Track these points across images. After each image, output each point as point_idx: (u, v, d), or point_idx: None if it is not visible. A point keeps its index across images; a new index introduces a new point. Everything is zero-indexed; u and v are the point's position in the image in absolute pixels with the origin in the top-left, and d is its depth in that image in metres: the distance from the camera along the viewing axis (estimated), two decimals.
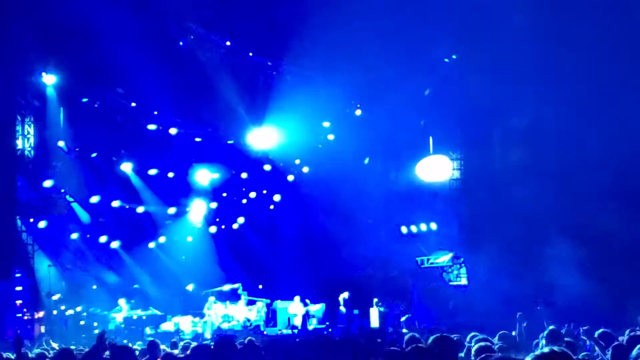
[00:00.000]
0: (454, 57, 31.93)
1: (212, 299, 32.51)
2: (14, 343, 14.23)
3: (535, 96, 29.71)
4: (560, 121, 29.16)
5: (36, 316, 29.81)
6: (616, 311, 23.86)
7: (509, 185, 30.01)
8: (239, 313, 32.28)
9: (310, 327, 31.80)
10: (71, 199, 32.84)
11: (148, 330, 31.00)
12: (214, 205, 37.13)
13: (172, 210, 36.56)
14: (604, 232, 27.71)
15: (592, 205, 27.98)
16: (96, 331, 28.39)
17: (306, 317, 32.50)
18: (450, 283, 32.84)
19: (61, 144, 31.74)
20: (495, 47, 29.99)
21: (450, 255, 32.91)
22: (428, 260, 33.53)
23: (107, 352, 11.80)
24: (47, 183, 30.84)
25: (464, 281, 32.43)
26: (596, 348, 13.06)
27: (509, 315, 23.43)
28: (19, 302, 29.03)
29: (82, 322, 31.48)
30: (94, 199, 33.63)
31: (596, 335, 13.22)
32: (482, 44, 30.52)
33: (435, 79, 31.88)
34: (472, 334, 14.02)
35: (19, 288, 29.17)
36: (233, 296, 33.34)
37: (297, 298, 32.86)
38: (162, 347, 15.45)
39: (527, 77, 29.53)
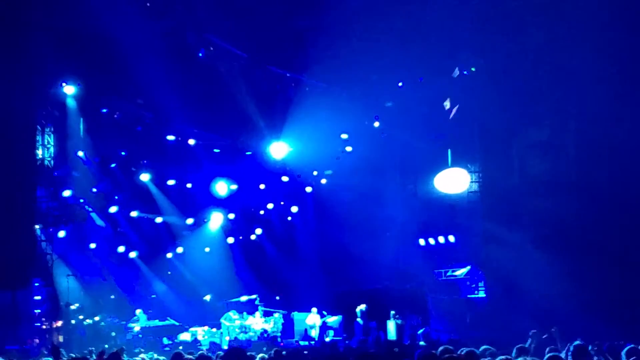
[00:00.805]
0: (472, 69, 31.89)
1: (231, 313, 32.53)
2: (52, 352, 14.37)
3: (554, 109, 29.64)
4: (579, 134, 29.07)
5: (54, 325, 29.91)
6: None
7: (528, 198, 29.92)
8: (256, 324, 32.30)
9: (327, 339, 31.78)
10: (90, 209, 32.99)
11: (165, 341, 31.08)
12: (231, 216, 37.22)
13: (190, 221, 36.66)
14: (624, 245, 27.56)
15: (611, 217, 27.84)
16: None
17: (323, 328, 32.49)
18: (468, 296, 32.75)
19: (81, 154, 31.89)
20: (514, 59, 29.96)
21: (468, 267, 32.83)
22: (446, 272, 33.47)
23: None
24: (67, 193, 30.98)
25: (482, 294, 32.34)
26: None
27: (527, 329, 23.40)
28: (37, 311, 29.14)
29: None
30: (113, 209, 33.79)
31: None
32: (501, 57, 30.48)
33: (454, 91, 31.83)
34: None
35: (37, 297, 29.30)
36: (250, 307, 33.36)
37: (314, 309, 32.87)
38: None
39: (546, 90, 29.48)
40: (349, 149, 35.21)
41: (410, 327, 31.64)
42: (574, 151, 29.11)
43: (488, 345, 14.33)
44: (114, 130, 32.42)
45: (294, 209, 38.06)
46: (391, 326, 31.02)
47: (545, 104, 29.69)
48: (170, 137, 34.07)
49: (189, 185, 35.94)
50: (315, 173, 36.93)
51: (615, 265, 27.61)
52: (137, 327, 31.43)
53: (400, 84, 32.98)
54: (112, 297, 34.23)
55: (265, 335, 31.78)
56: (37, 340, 28.24)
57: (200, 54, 31.64)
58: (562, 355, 12.98)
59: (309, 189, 37.42)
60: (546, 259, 28.76)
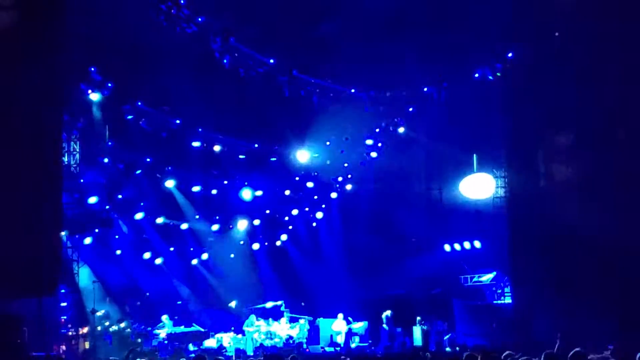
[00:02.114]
0: (498, 74, 31.77)
1: (253, 316, 32.54)
2: None
3: (581, 113, 29.43)
4: (606, 138, 28.86)
5: (80, 332, 29.99)
6: None
7: (554, 203, 29.73)
8: (281, 330, 32.27)
9: (353, 345, 31.73)
10: (116, 216, 33.06)
11: (191, 347, 31.10)
12: (257, 222, 37.24)
13: (215, 227, 36.71)
14: None
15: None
16: None
17: (349, 334, 32.45)
18: (494, 302, 32.61)
19: (106, 160, 31.97)
20: (539, 63, 29.83)
21: (494, 273, 32.69)
22: (472, 278, 33.34)
23: None
24: (92, 199, 31.06)
25: (508, 300, 32.19)
26: None
27: (554, 336, 23.24)
28: (63, 318, 29.21)
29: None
30: (139, 216, 33.85)
31: None
32: (527, 61, 30.37)
33: (479, 96, 31.71)
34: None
35: (63, 304, 29.35)
36: (276, 313, 33.36)
37: (340, 315, 32.82)
38: None
39: (572, 94, 29.29)
40: (373, 154, 35.16)
41: (436, 333, 31.55)
42: (601, 156, 28.87)
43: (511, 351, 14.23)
44: (140, 137, 32.47)
45: (319, 214, 38.04)
46: (417, 332, 30.95)
47: (572, 108, 29.49)
48: (196, 144, 34.10)
49: (214, 192, 35.98)
50: (340, 179, 36.94)
51: None
52: (163, 334, 31.45)
53: (425, 89, 32.87)
54: (138, 303, 34.27)
55: (291, 341, 31.75)
56: (63, 347, 28.31)
57: (225, 61, 31.67)
58: None
59: (333, 195, 37.42)
60: (573, 265, 28.58)
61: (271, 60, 31.93)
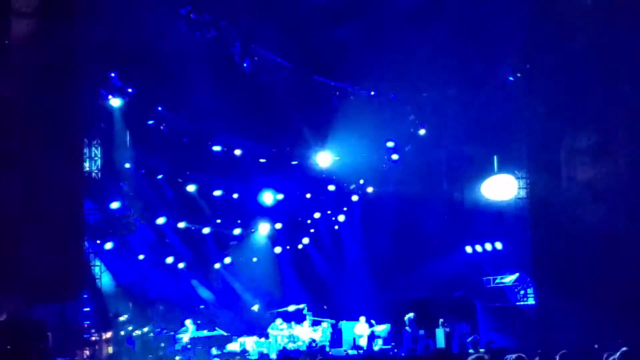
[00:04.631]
0: (518, 75, 31.69)
1: (278, 321, 32.54)
2: None
3: (602, 113, 29.31)
4: (628, 138, 28.74)
5: (104, 337, 30.08)
6: None
7: (576, 204, 29.62)
8: (304, 333, 32.27)
9: (375, 348, 31.68)
10: (137, 221, 33.12)
11: (214, 351, 31.12)
12: (278, 225, 37.25)
13: (237, 231, 36.73)
14: None
15: None
16: None
17: (372, 337, 32.39)
18: (517, 303, 32.50)
19: (127, 166, 32.05)
20: (561, 64, 29.72)
21: (517, 274, 32.58)
22: (494, 280, 33.25)
23: None
24: (114, 205, 31.14)
25: (531, 301, 32.07)
26: None
27: (578, 337, 23.17)
28: (87, 323, 29.31)
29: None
30: (160, 221, 33.91)
31: None
32: (548, 62, 30.26)
33: (500, 97, 31.63)
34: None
35: (86, 309, 29.46)
36: (298, 317, 33.35)
37: (362, 318, 32.77)
38: None
39: (593, 94, 29.17)
40: (395, 157, 35.12)
41: (459, 335, 31.48)
42: (623, 156, 28.76)
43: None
44: (161, 142, 32.57)
45: (341, 217, 38.01)
46: (440, 334, 30.87)
47: (593, 108, 29.38)
48: (216, 148, 34.14)
49: (235, 196, 35.99)
50: (361, 182, 36.91)
51: None
52: (185, 338, 31.48)
53: (446, 91, 32.81)
54: (161, 307, 34.32)
55: (314, 344, 31.71)
56: (87, 352, 28.42)
57: (245, 64, 31.72)
58: None
59: (355, 198, 37.38)
60: (596, 266, 28.47)
61: (290, 64, 31.96)
